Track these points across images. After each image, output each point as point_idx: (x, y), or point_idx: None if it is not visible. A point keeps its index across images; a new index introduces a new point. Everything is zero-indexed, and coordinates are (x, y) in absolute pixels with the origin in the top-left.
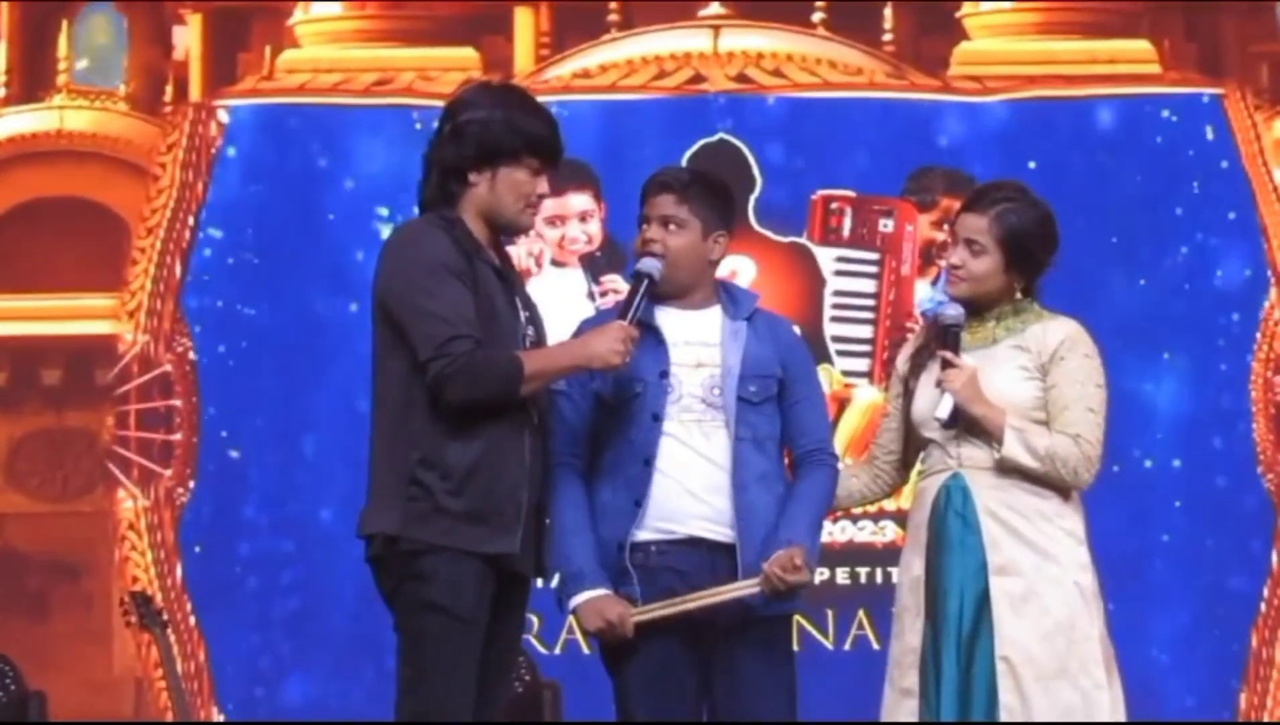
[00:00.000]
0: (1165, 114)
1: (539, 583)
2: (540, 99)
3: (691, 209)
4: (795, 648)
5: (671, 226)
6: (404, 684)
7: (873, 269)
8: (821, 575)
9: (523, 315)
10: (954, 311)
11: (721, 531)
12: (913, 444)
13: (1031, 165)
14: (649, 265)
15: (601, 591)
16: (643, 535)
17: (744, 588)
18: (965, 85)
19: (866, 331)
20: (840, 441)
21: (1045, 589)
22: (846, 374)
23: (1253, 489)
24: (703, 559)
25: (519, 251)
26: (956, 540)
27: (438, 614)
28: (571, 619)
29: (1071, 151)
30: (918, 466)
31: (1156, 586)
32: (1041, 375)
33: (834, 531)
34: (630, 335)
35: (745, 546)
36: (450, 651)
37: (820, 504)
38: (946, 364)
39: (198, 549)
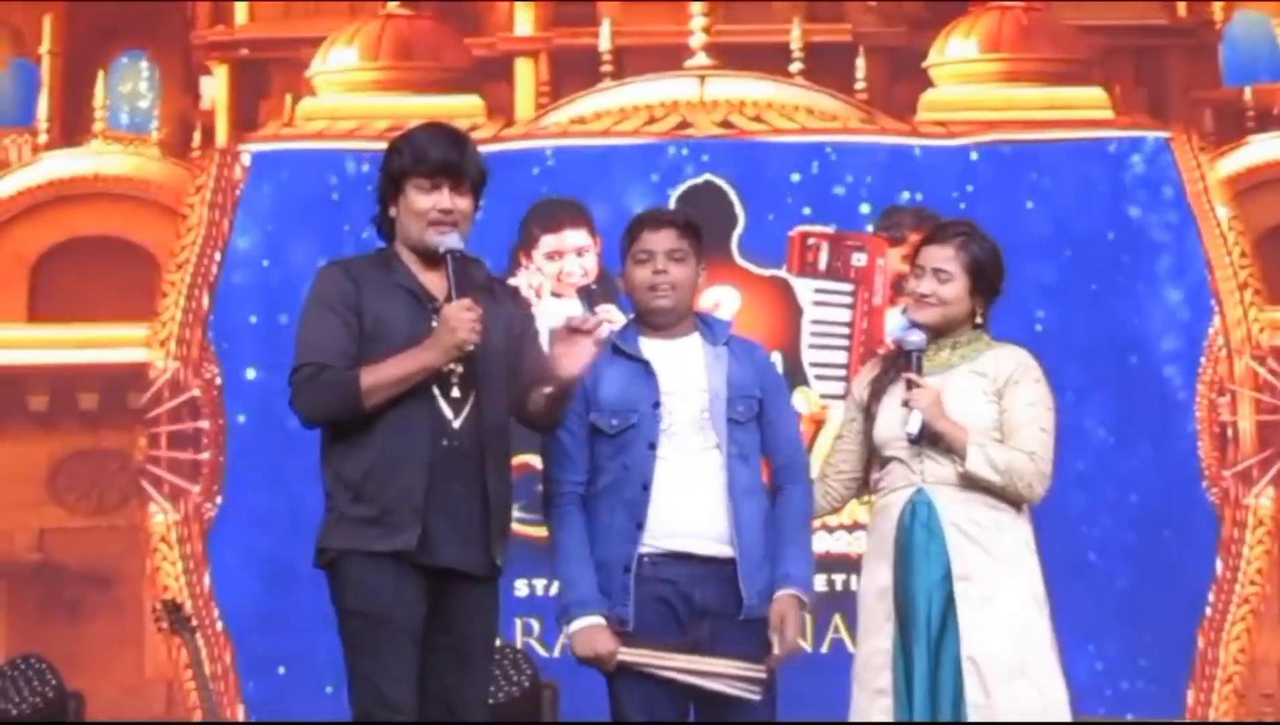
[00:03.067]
0: (1116, 155)
1: (535, 589)
2: (539, 142)
3: (689, 243)
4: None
5: (676, 258)
6: (349, 685)
7: (847, 299)
8: None
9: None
10: (916, 338)
11: (716, 546)
12: (872, 463)
13: (991, 202)
14: (452, 241)
15: (598, 620)
16: (641, 552)
17: (733, 682)
18: (932, 129)
19: (841, 357)
20: (818, 457)
21: (1005, 594)
22: (823, 397)
23: (1199, 502)
24: (694, 572)
25: (520, 283)
26: (922, 550)
27: (355, 618)
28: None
29: (1030, 190)
30: (878, 483)
31: (1111, 590)
32: (997, 398)
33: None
34: (466, 307)
35: (744, 556)
36: (372, 652)
37: (805, 523)
38: (912, 384)
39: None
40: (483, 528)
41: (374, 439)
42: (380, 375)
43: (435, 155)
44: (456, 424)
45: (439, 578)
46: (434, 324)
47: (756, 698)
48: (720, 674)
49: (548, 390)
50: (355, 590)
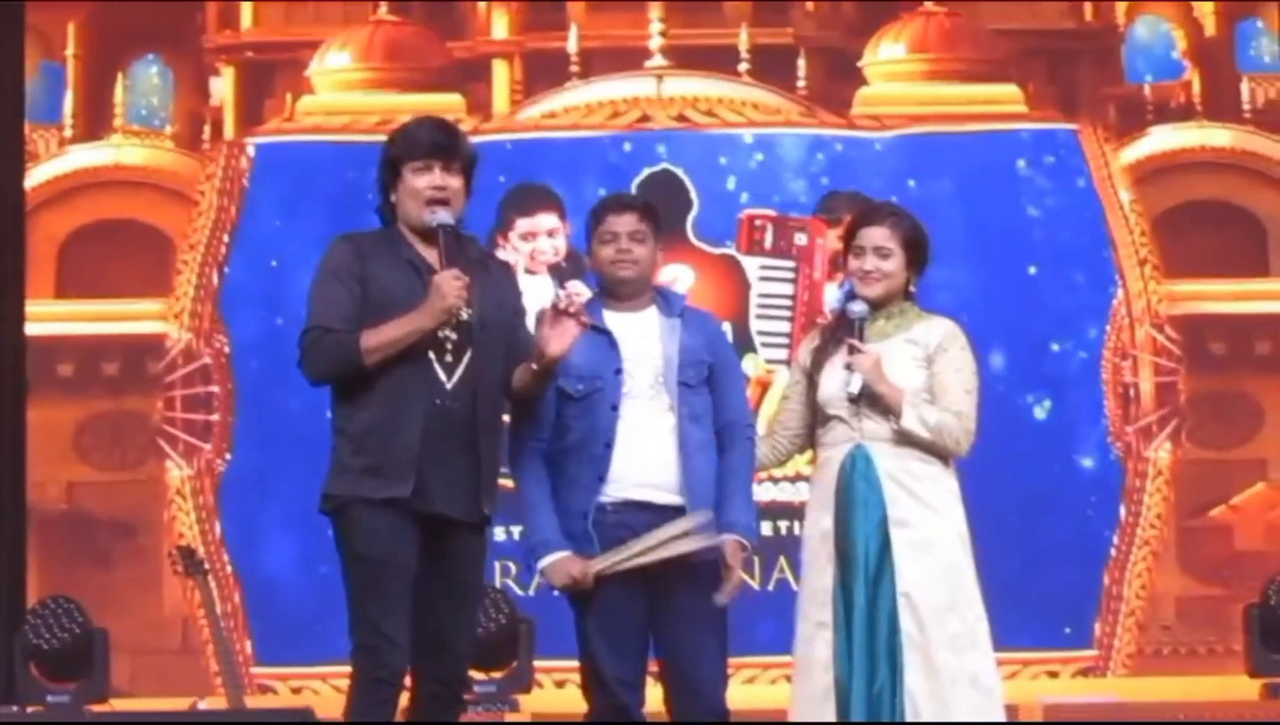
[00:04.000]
0: (1030, 145)
1: (513, 534)
2: (513, 136)
3: (648, 226)
4: None
5: (637, 239)
6: (349, 620)
7: (790, 275)
8: None
9: None
10: (859, 308)
11: (669, 496)
12: (815, 422)
13: (918, 188)
14: (443, 216)
15: (565, 554)
16: (602, 501)
17: (691, 539)
18: (866, 123)
19: (785, 327)
20: (764, 416)
21: (936, 538)
22: (769, 362)
23: (1105, 454)
24: (650, 519)
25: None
26: (861, 499)
27: (358, 560)
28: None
29: (953, 177)
30: (820, 439)
31: (1027, 535)
32: (928, 364)
33: (759, 492)
34: (454, 276)
35: (692, 505)
36: (371, 590)
37: (747, 477)
38: (854, 350)
39: None
40: (473, 480)
41: (374, 398)
42: (378, 337)
43: (425, 139)
44: (449, 386)
45: (432, 524)
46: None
47: (715, 542)
48: (676, 536)
49: (534, 367)
50: (357, 534)
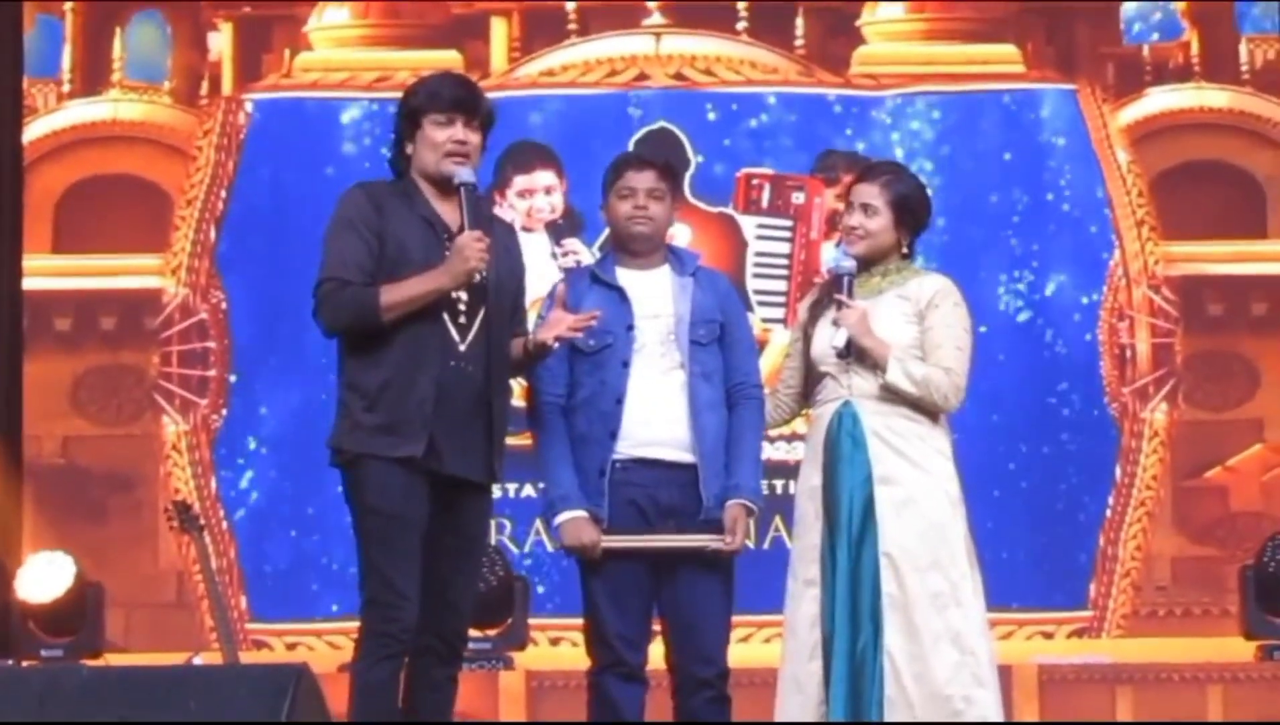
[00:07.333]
0: (1028, 105)
1: (508, 492)
2: (511, 93)
3: (667, 184)
4: None
5: (655, 196)
6: (360, 574)
7: (786, 234)
8: None
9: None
10: (848, 264)
11: (680, 454)
12: (810, 379)
13: (915, 148)
14: (466, 174)
15: (581, 513)
16: (614, 458)
17: (698, 541)
18: (863, 82)
19: (781, 286)
20: (762, 374)
21: (920, 496)
22: (765, 321)
23: (1102, 415)
24: (660, 476)
25: None
26: (847, 456)
27: (370, 513)
28: (540, 525)
29: (950, 136)
30: (814, 396)
31: (1023, 495)
32: (919, 320)
33: None
34: (477, 237)
35: (704, 463)
36: (383, 544)
37: (755, 439)
38: (841, 305)
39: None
40: (485, 441)
41: (390, 356)
42: (398, 293)
43: (449, 93)
44: (463, 347)
45: (443, 483)
46: (447, 252)
47: (720, 545)
48: (682, 545)
49: (530, 346)
50: (370, 487)
